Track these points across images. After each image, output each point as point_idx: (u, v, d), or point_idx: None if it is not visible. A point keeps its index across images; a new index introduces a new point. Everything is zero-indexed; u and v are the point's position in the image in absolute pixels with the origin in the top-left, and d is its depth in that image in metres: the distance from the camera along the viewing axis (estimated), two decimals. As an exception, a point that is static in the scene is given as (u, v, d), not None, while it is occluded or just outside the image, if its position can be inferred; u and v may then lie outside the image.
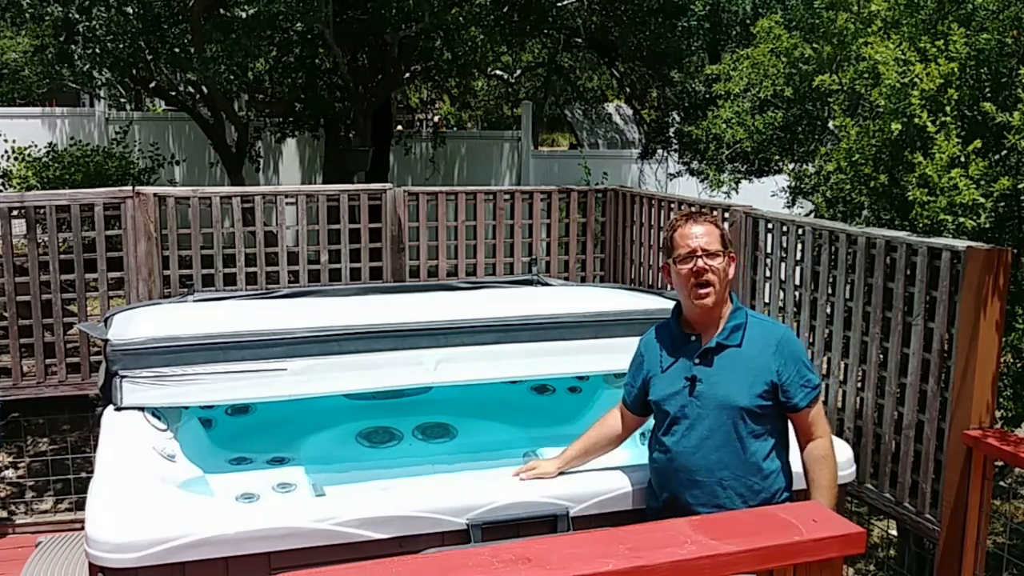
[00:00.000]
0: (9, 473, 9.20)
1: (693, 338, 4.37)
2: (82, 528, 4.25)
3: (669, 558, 2.62)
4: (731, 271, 4.38)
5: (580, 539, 2.90)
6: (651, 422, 4.68)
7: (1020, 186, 5.81)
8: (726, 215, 7.14)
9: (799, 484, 4.50)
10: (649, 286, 8.40)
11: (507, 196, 9.00)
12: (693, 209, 4.56)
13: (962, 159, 5.56)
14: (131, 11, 12.18)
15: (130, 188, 7.85)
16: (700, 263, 4.25)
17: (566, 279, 8.95)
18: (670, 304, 5.84)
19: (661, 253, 5.01)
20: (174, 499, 4.43)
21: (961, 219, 5.42)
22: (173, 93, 14.91)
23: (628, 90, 18.02)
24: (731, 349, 4.28)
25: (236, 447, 5.99)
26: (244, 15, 11.26)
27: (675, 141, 14.85)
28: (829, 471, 4.29)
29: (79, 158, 14.50)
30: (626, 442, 4.92)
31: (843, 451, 5.07)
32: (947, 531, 5.36)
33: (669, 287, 4.76)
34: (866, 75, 6.19)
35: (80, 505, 6.68)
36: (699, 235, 4.29)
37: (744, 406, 4.21)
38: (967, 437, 5.20)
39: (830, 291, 6.17)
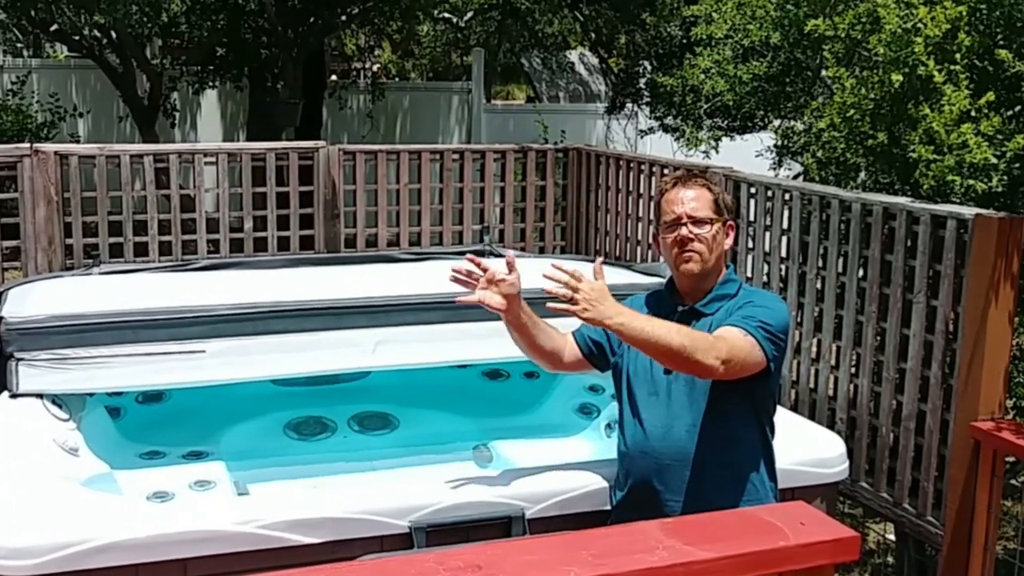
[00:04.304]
0: None
1: (680, 308, 4.33)
2: (-30, 532, 4.21)
3: (638, 565, 2.60)
4: (727, 241, 4.31)
5: (537, 544, 2.89)
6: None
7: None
8: (705, 178, 7.13)
9: (787, 482, 4.50)
10: (616, 258, 8.40)
11: (456, 156, 8.98)
12: (682, 172, 4.47)
13: (973, 113, 5.55)
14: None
15: (27, 145, 7.80)
16: (684, 231, 4.17)
17: (522, 249, 8.94)
18: (640, 279, 5.87)
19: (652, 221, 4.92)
20: (77, 498, 4.39)
21: (970, 181, 5.41)
22: (77, 38, 14.79)
23: (593, 36, 18.03)
24: (706, 318, 4.20)
25: (148, 439, 5.95)
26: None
27: (647, 93, 14.85)
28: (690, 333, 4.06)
29: (-32, 111, 14.38)
30: (590, 434, 4.88)
31: (835, 446, 5.08)
32: (951, 535, 5.39)
33: (661, 259, 4.67)
34: (864, 20, 6.18)
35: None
36: (687, 200, 4.22)
37: (716, 381, 4.15)
38: (975, 430, 5.22)
39: (821, 264, 6.18)
